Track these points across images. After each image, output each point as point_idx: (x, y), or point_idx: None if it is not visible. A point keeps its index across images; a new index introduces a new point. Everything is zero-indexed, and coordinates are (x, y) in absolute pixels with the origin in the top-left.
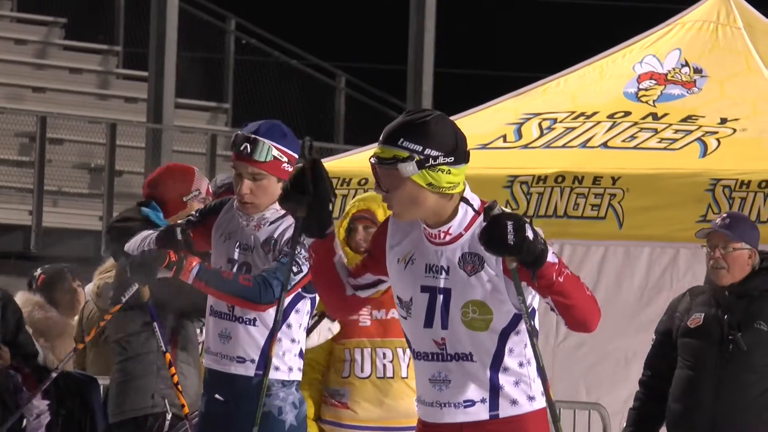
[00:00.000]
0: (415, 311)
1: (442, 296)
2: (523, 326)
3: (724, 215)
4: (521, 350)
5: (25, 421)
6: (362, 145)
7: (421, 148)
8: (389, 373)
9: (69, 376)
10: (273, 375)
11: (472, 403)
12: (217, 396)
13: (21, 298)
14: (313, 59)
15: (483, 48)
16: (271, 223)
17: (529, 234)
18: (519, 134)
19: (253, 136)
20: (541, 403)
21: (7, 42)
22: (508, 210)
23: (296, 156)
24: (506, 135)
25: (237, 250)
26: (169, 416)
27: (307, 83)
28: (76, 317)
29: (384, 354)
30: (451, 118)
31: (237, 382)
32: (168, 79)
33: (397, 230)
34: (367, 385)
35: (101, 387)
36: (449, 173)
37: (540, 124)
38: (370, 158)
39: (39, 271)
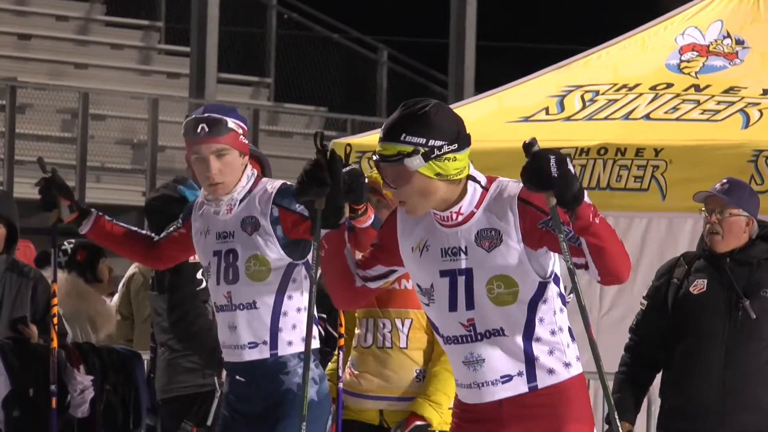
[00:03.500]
0: (438, 297)
1: (464, 277)
2: (550, 293)
3: (724, 180)
4: (551, 318)
5: (69, 397)
6: None
7: (425, 140)
8: (388, 344)
9: (113, 351)
10: (288, 350)
11: (510, 377)
12: (238, 377)
13: (61, 279)
14: (355, 33)
15: (525, 21)
16: (241, 201)
17: (571, 168)
18: (561, 106)
19: (205, 115)
20: (578, 368)
21: (48, 18)
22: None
23: (245, 129)
24: (548, 107)
25: (216, 241)
26: (218, 394)
27: (348, 57)
28: (116, 293)
29: (383, 324)
30: (493, 90)
31: (254, 366)
32: (210, 54)
33: (407, 219)
34: (369, 355)
35: (145, 362)
36: (455, 160)
37: (582, 97)
38: (372, 156)
39: (68, 246)
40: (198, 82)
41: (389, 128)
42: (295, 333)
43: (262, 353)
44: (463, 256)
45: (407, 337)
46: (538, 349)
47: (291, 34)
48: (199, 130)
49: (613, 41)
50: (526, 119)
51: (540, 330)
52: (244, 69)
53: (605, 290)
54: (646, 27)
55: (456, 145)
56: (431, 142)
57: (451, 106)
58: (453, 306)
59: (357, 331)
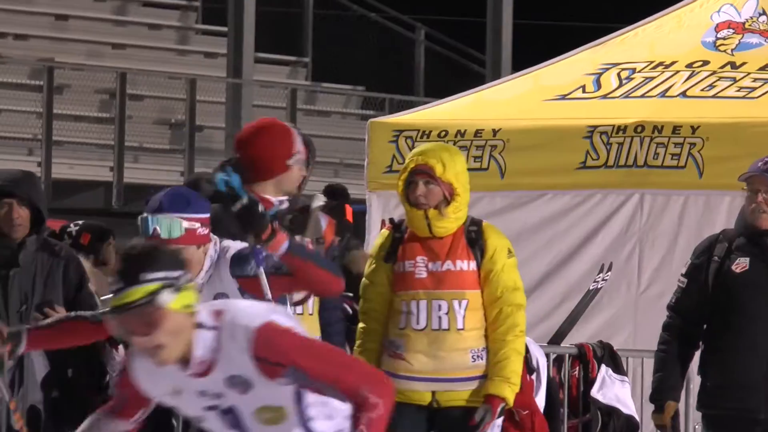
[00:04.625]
0: (212, 423)
1: (228, 414)
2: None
3: (766, 159)
4: (314, 396)
5: (108, 377)
6: (441, 98)
7: (166, 273)
8: (444, 325)
9: None
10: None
11: None
12: None
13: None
14: (392, 12)
15: None
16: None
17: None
18: (598, 84)
19: (157, 216)
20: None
21: None
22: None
23: (207, 216)
24: (585, 85)
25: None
26: None
27: (386, 36)
28: None
29: (439, 306)
30: (530, 69)
31: None
32: (247, 34)
33: (144, 368)
34: (422, 337)
35: None
36: (192, 290)
37: (619, 74)
38: (107, 314)
39: (74, 228)
40: (235, 62)
41: (123, 275)
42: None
43: None
44: (221, 399)
45: (464, 317)
46: (316, 419)
47: (328, 13)
48: (152, 234)
49: (649, 19)
50: (563, 97)
51: (313, 411)
52: (281, 48)
53: (643, 268)
54: (682, 5)
55: (188, 275)
56: (171, 274)
57: (488, 85)
58: (229, 427)
59: (400, 312)
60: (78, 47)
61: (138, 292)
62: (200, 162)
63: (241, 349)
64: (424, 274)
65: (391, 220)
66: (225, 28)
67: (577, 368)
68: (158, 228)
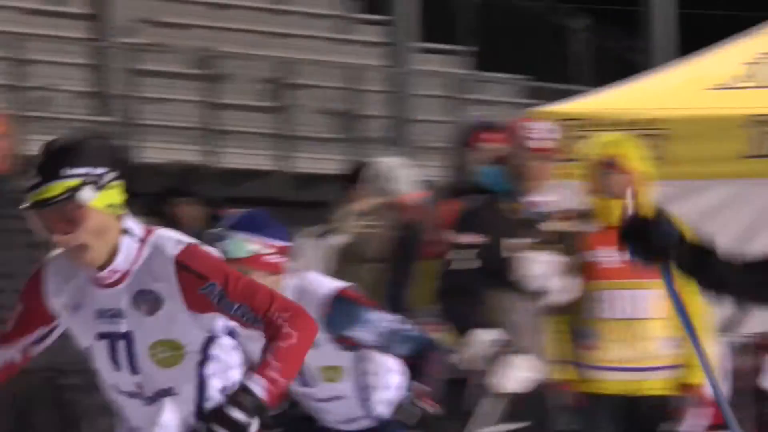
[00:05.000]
0: (98, 358)
1: (123, 341)
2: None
3: None
4: (224, 371)
5: None
6: (602, 87)
7: (90, 169)
8: (639, 314)
9: None
10: None
11: None
12: None
13: None
14: (554, 2)
15: None
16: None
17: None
18: (756, 74)
19: (229, 233)
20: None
21: None
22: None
23: (283, 245)
24: (743, 75)
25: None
26: None
27: (547, 25)
28: None
29: (633, 295)
30: (693, 58)
31: None
32: (409, 23)
33: (57, 276)
34: (616, 326)
35: None
36: (118, 188)
37: None
38: (24, 209)
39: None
40: (397, 51)
41: (42, 169)
42: None
43: None
44: (121, 318)
45: (658, 306)
46: (210, 400)
47: (491, 2)
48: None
49: None
50: (721, 87)
51: (214, 384)
52: (442, 38)
53: None
54: None
55: (116, 171)
56: (96, 170)
57: (651, 74)
58: (116, 368)
59: (591, 301)
60: (238, 36)
61: (57, 187)
62: (360, 151)
63: (165, 258)
64: (616, 263)
65: (571, 210)
66: (386, 17)
67: (751, 357)
68: (227, 245)
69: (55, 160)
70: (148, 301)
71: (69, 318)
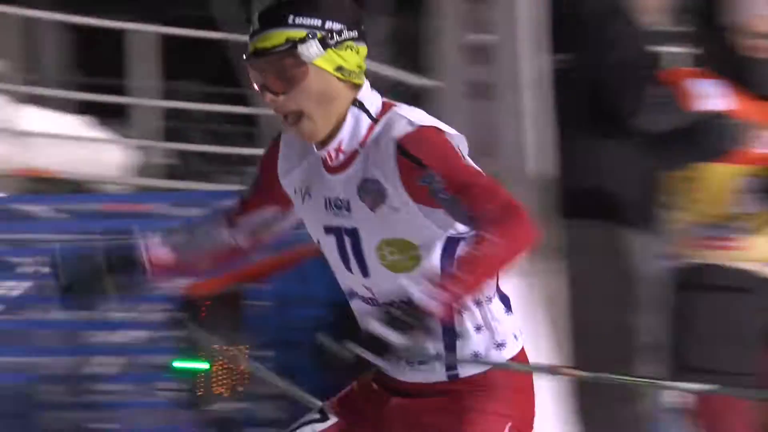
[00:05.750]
0: (329, 256)
1: (350, 239)
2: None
3: None
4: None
5: None
6: None
7: (321, 21)
8: None
9: None
10: None
11: (424, 361)
12: None
13: None
14: None
15: None
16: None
17: None
18: None
19: None
20: (514, 348)
21: None
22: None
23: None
24: None
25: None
26: None
27: None
28: None
29: None
30: None
31: None
32: None
33: (288, 151)
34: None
35: None
36: (357, 53)
37: None
38: (245, 60)
39: None
40: None
41: (269, 13)
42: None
43: None
44: (346, 212)
45: None
46: (458, 327)
47: None
48: None
49: None
50: None
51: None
52: None
53: None
54: None
55: (356, 32)
56: (328, 24)
57: None
58: (348, 268)
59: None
60: None
61: (278, 36)
62: None
63: (389, 139)
64: None
65: None
66: None
67: None
68: None
69: (282, 3)
70: (372, 192)
71: (300, 204)
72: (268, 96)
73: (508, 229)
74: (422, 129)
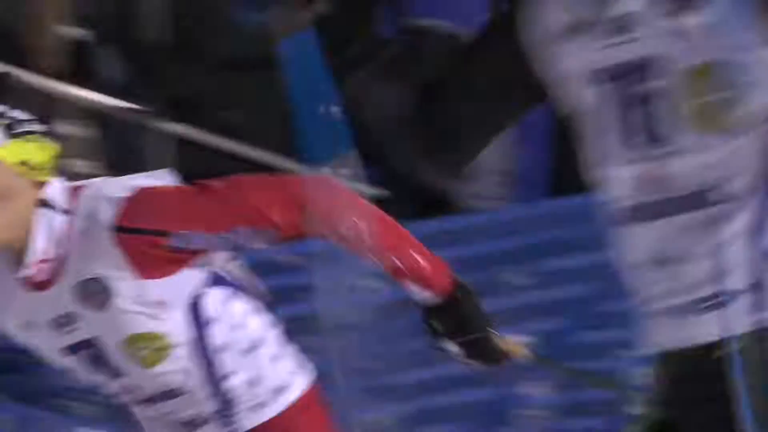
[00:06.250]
0: (81, 374)
1: (92, 350)
2: (217, 299)
3: None
4: (235, 333)
5: None
6: None
7: (4, 108)
8: None
9: None
10: None
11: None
12: None
13: None
14: None
15: None
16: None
17: None
18: None
19: None
20: (297, 387)
21: None
22: None
23: None
24: None
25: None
26: None
27: None
28: None
29: None
30: None
31: None
32: None
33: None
34: None
35: None
36: (44, 149)
37: None
38: None
39: None
40: None
41: None
42: None
43: None
44: (76, 324)
45: None
46: (234, 389)
47: None
48: None
49: None
50: None
51: (229, 360)
52: None
53: None
54: None
55: (44, 125)
56: (14, 113)
57: None
58: (105, 378)
59: None
60: None
61: None
62: None
63: (100, 228)
64: None
65: None
66: None
67: None
68: None
69: None
70: (94, 293)
71: (26, 338)
72: None
73: (335, 209)
74: (126, 201)
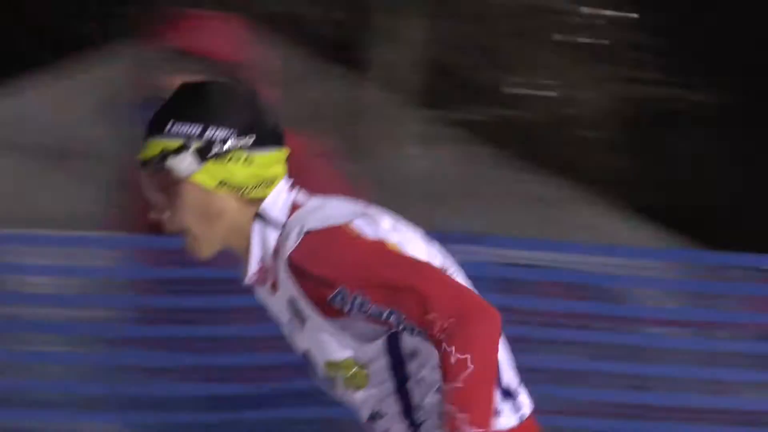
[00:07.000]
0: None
1: (310, 360)
2: (411, 343)
3: None
4: (430, 373)
5: None
6: None
7: (201, 128)
8: None
9: None
10: None
11: None
12: None
13: None
14: None
15: None
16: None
17: None
18: None
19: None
20: (509, 420)
21: None
22: None
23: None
24: None
25: None
26: None
27: None
28: None
29: None
30: None
31: None
32: None
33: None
34: None
35: None
36: (249, 163)
37: None
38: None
39: None
40: None
41: (154, 116)
42: None
43: None
44: (294, 333)
45: None
46: (427, 423)
47: None
48: None
49: None
50: None
51: (418, 393)
52: None
53: None
54: None
55: (250, 137)
56: (210, 132)
57: None
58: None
59: None
60: None
61: (154, 146)
62: None
63: (283, 256)
64: None
65: None
66: None
67: None
68: None
69: (169, 106)
70: (295, 310)
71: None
72: (152, 211)
73: (467, 340)
74: (310, 237)
